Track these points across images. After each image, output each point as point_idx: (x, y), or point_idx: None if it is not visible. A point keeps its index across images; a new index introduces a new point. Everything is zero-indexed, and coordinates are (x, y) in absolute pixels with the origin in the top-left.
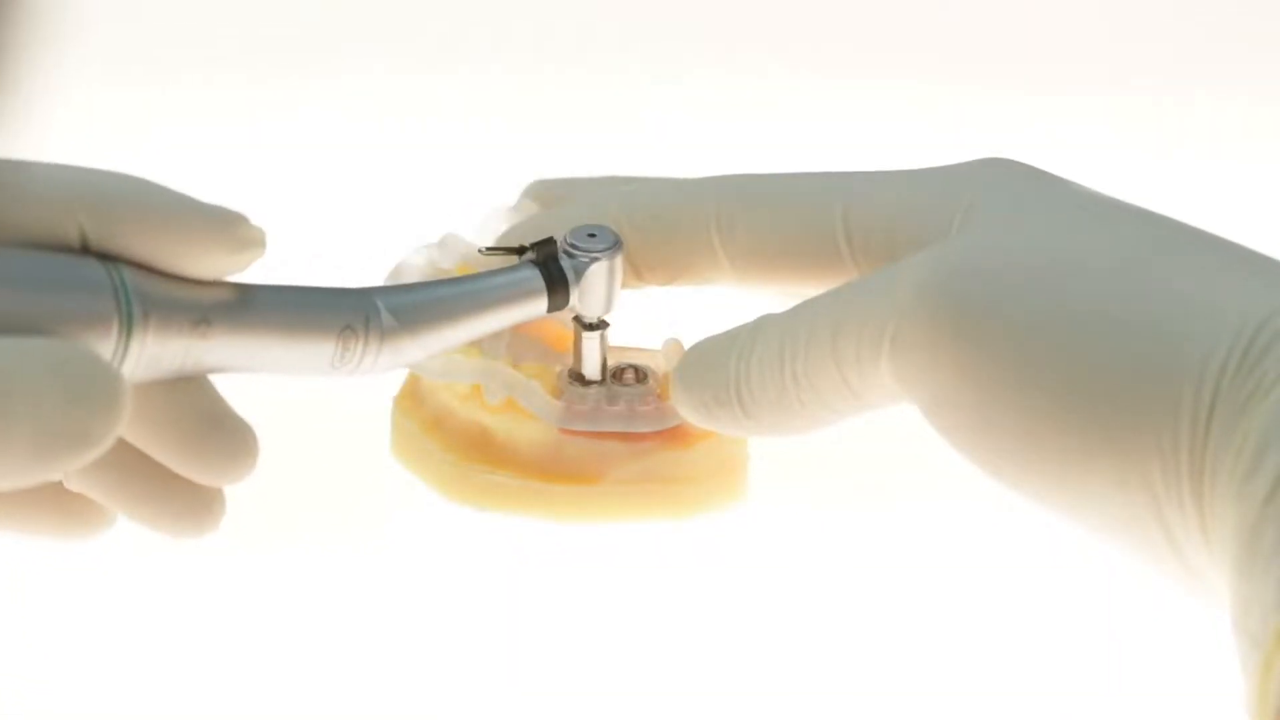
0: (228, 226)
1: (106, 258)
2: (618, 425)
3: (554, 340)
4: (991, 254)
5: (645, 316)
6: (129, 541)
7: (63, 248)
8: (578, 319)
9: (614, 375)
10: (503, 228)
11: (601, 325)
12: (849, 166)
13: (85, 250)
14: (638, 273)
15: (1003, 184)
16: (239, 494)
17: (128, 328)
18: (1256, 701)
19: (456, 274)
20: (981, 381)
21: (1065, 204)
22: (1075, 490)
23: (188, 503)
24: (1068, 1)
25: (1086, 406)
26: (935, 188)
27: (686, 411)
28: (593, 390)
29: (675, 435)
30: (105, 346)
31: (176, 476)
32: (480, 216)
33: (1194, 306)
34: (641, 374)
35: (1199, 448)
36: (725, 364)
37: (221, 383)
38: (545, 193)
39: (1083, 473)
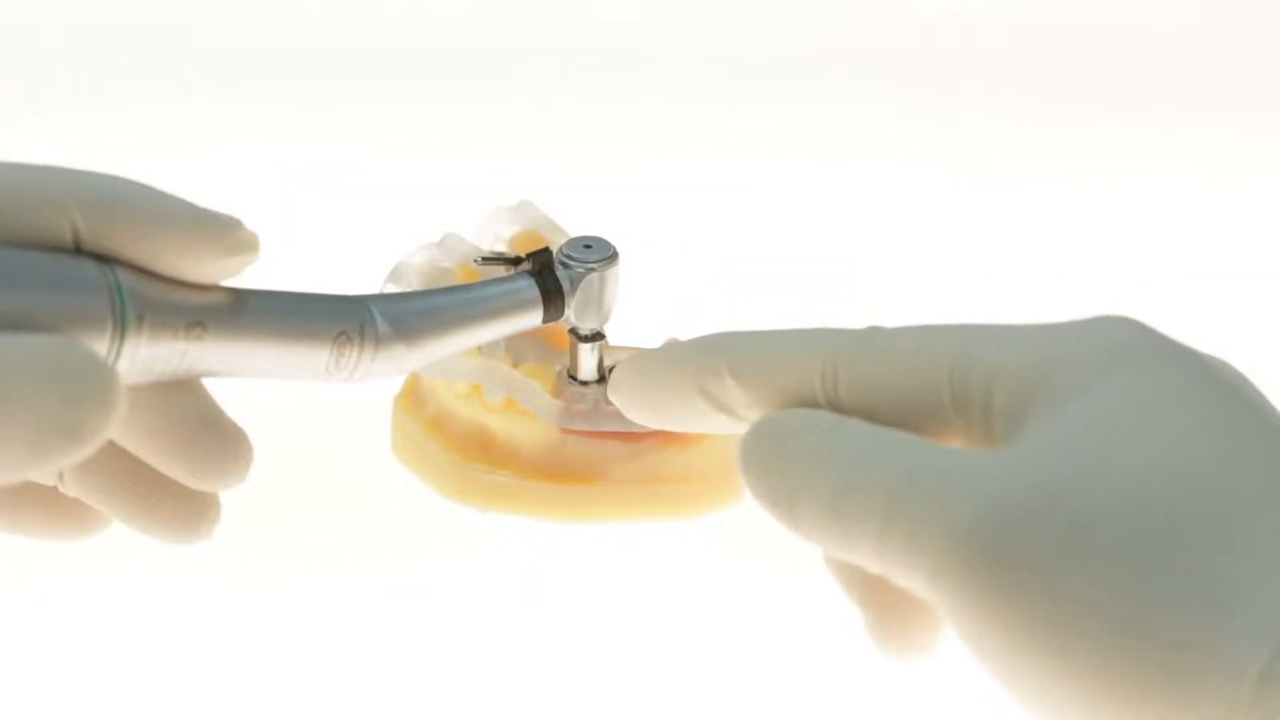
0: (223, 230)
1: (102, 259)
2: (617, 425)
3: (553, 339)
4: (1063, 492)
5: (645, 317)
6: (126, 545)
7: (56, 248)
8: (573, 331)
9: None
10: (503, 228)
11: (597, 337)
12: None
13: (79, 251)
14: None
15: (1114, 369)
16: (240, 491)
17: (121, 329)
18: None
19: (457, 272)
20: (1015, 637)
21: (1174, 414)
22: None
23: (181, 508)
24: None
25: (1133, 684)
26: (1048, 350)
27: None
28: (592, 389)
29: (675, 435)
30: (99, 347)
31: (171, 482)
32: (480, 216)
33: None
34: None
35: None
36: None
37: (223, 379)
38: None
39: None
